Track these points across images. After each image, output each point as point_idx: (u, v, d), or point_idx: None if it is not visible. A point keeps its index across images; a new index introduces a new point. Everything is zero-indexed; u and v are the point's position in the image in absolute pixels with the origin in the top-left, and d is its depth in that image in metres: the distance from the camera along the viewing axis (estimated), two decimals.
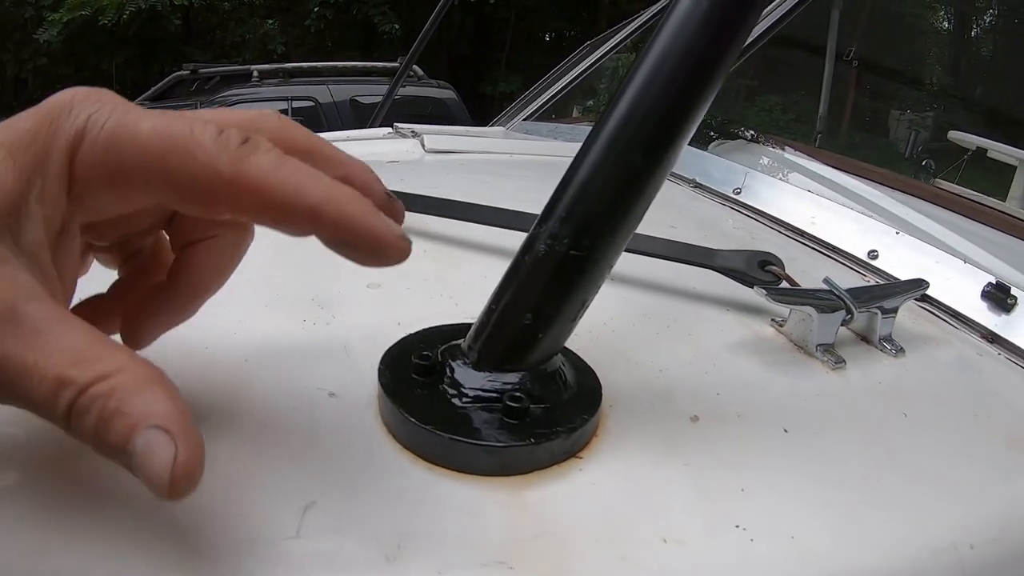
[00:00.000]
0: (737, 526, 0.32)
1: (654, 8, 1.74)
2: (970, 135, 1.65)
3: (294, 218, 0.26)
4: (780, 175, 1.11)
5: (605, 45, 1.76)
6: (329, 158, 0.31)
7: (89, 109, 0.26)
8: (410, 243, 0.28)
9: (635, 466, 0.35)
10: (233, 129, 0.26)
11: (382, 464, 0.33)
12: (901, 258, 0.68)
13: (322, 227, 0.26)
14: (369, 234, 0.26)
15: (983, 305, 0.59)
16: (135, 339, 0.34)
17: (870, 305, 0.52)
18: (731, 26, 0.32)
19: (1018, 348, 0.55)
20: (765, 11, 1.22)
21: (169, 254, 0.35)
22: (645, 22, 1.74)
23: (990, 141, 1.59)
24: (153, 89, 5.33)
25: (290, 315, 0.48)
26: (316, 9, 9.13)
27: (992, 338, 0.57)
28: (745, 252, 0.57)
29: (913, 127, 2.22)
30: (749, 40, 1.22)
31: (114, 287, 0.35)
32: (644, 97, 0.32)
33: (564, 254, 0.32)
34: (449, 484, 0.32)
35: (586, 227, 0.32)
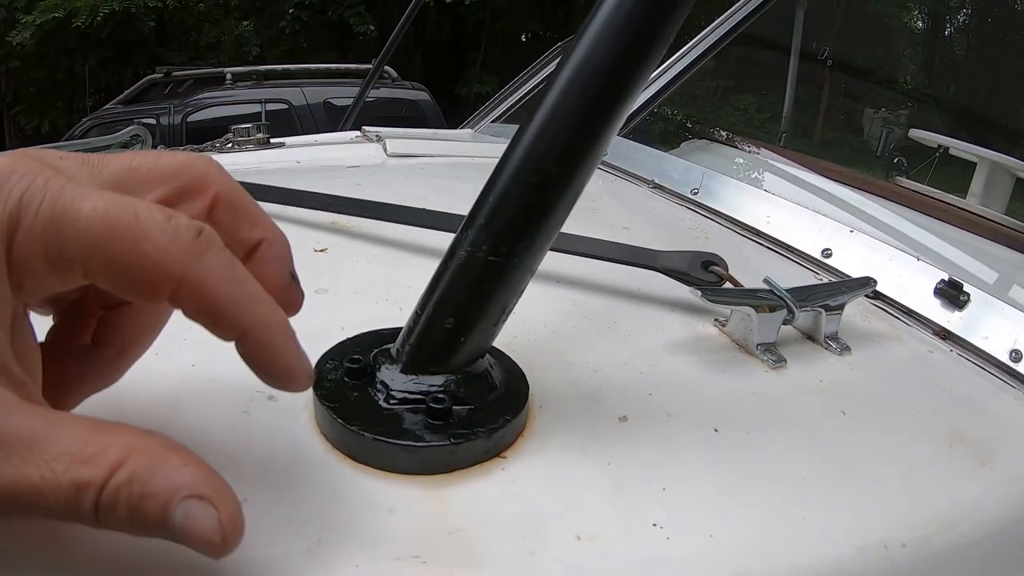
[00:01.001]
0: (654, 524, 0.33)
1: None
2: (931, 133, 1.67)
3: (225, 330, 0.26)
4: (739, 175, 1.12)
5: None
6: (253, 218, 0.31)
7: (20, 187, 0.24)
8: (313, 380, 0.29)
9: (557, 465, 0.36)
10: (183, 219, 0.25)
11: (311, 463, 0.34)
12: (854, 256, 0.69)
13: (246, 346, 0.27)
14: (284, 369, 0.28)
15: (936, 302, 0.60)
16: (59, 405, 0.31)
17: (813, 304, 0.52)
18: (647, 37, 0.33)
19: (970, 344, 0.55)
20: (728, 12, 1.23)
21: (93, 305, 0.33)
22: None
23: (950, 139, 1.61)
24: (126, 93, 5.31)
25: None
26: (291, 11, 9.08)
27: (944, 335, 0.58)
28: (688, 253, 0.58)
29: (886, 126, 2.24)
30: (713, 41, 1.23)
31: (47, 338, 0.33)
32: (560, 106, 0.33)
33: (484, 260, 0.33)
34: (371, 482, 0.33)
35: (504, 234, 0.33)
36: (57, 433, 0.23)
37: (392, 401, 0.35)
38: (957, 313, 0.58)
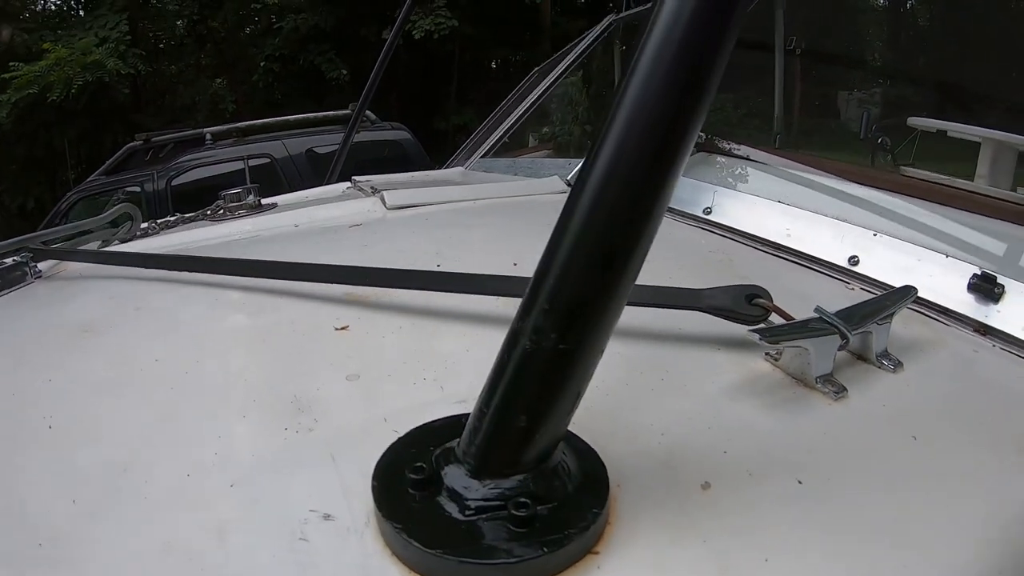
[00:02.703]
0: None
1: (596, 30, 1.75)
2: (929, 119, 1.65)
3: None
4: (748, 187, 1.10)
5: (553, 72, 1.76)
6: None
7: None
8: None
9: (653, 552, 0.33)
10: None
11: None
12: (882, 261, 0.67)
13: None
14: None
15: (970, 298, 0.58)
16: None
17: (864, 325, 0.50)
18: (704, 66, 0.29)
19: (1012, 337, 0.54)
20: None
21: None
22: (589, 45, 1.74)
23: (950, 123, 1.60)
24: (107, 163, 5.29)
25: (270, 424, 0.45)
26: (263, 64, 9.12)
27: (984, 330, 0.56)
28: (730, 288, 0.55)
29: (863, 106, 2.23)
30: None
31: None
32: (616, 165, 0.29)
33: (552, 350, 0.30)
34: None
35: (571, 318, 0.30)
36: None
37: (468, 512, 0.32)
38: (994, 306, 0.57)
